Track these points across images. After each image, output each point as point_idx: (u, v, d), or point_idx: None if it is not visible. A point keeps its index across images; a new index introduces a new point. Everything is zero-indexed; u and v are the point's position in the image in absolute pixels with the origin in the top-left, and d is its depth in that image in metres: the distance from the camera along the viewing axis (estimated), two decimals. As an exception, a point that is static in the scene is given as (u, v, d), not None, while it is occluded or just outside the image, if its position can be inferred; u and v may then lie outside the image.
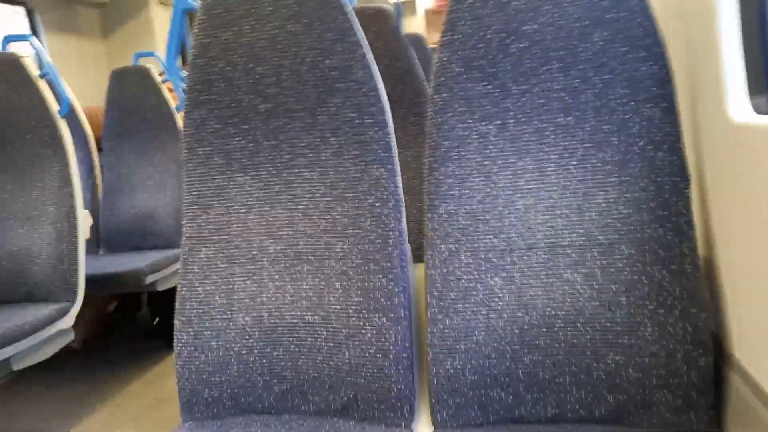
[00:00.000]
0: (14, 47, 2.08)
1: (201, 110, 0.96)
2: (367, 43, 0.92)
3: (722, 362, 0.83)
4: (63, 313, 1.69)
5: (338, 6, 0.91)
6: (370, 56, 0.92)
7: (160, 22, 3.33)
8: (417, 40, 2.60)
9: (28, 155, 1.81)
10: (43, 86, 1.79)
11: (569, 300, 0.86)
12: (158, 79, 2.50)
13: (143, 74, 2.49)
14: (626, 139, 0.85)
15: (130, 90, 2.49)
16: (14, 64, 1.78)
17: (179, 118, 2.53)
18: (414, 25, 5.86)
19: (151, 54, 2.85)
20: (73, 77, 2.31)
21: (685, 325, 0.82)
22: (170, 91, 2.57)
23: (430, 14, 5.93)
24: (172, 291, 2.31)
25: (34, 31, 2.84)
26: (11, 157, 1.83)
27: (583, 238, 0.87)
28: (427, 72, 1.76)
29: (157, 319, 2.67)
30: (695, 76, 0.91)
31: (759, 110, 0.77)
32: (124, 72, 2.53)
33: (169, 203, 2.45)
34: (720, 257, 0.86)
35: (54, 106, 1.79)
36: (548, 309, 0.87)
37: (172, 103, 2.51)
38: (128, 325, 2.83)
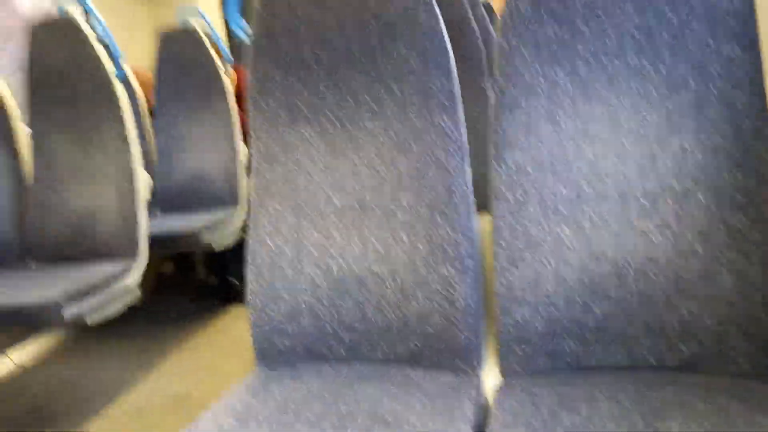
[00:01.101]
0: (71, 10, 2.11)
1: (265, 64, 0.97)
2: None
3: None
4: (128, 271, 1.76)
5: None
6: (433, 1, 0.90)
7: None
8: None
9: (88, 116, 1.86)
10: (99, 48, 1.82)
11: (641, 249, 0.85)
12: (206, 39, 2.51)
13: (191, 35, 2.50)
14: (704, 80, 0.82)
15: (178, 52, 2.51)
16: (72, 27, 1.81)
17: (227, 78, 2.54)
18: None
19: (194, 12, 2.85)
20: (118, 38, 2.33)
21: (765, 273, 0.80)
22: (215, 50, 2.58)
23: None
24: (225, 250, 2.37)
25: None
26: (72, 118, 1.89)
27: (656, 186, 0.85)
28: (477, 20, 1.71)
29: (214, 278, 2.76)
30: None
31: None
32: (171, 34, 2.55)
33: (220, 163, 2.49)
34: None
35: (110, 67, 1.82)
36: (619, 259, 0.85)
37: (220, 64, 2.52)
38: (183, 284, 2.93)
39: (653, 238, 0.84)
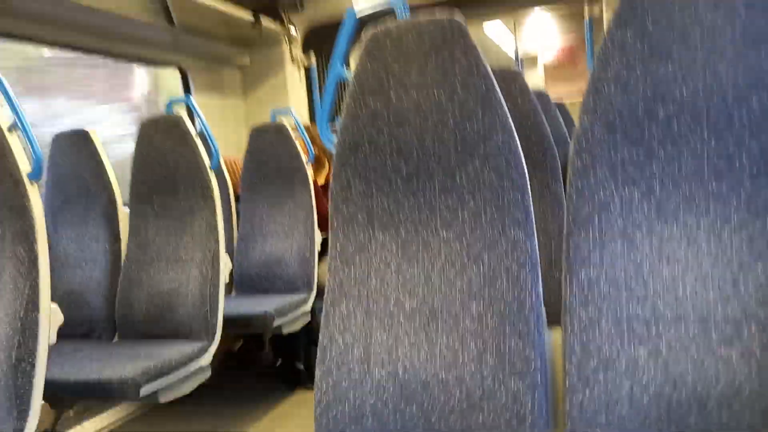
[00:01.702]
0: (176, 107, 2.35)
1: (348, 172, 1.04)
2: (506, 108, 0.95)
3: None
4: (203, 351, 1.83)
5: (482, 73, 0.95)
6: (510, 121, 0.95)
7: (293, 80, 3.61)
8: (540, 96, 2.61)
9: (184, 204, 2.02)
10: (199, 143, 2.01)
11: (724, 378, 0.81)
12: (292, 134, 2.70)
13: (279, 130, 2.70)
14: None
15: (266, 144, 2.71)
16: (177, 123, 2.01)
17: (310, 170, 2.70)
18: (534, 79, 5.84)
19: (286, 111, 3.09)
20: (217, 131, 2.56)
21: None
22: (302, 145, 2.77)
23: (550, 68, 5.91)
24: (294, 334, 2.42)
25: (187, 90, 3.20)
26: (167, 205, 2.06)
27: (738, 312, 0.81)
28: (551, 126, 1.76)
29: (280, 361, 2.80)
30: None
31: None
32: (261, 128, 2.76)
33: (296, 250, 2.59)
34: None
35: (207, 161, 2.00)
36: (700, 386, 0.81)
37: (304, 157, 2.69)
38: (251, 365, 2.99)
39: (736, 367, 0.80)
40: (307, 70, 3.65)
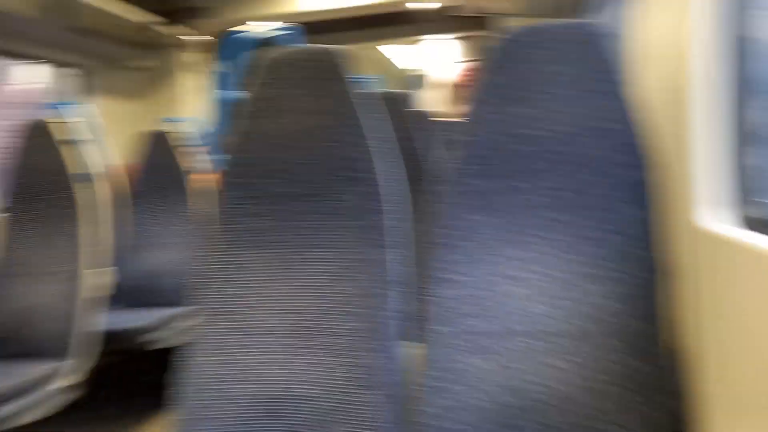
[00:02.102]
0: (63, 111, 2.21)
1: (235, 191, 1.06)
2: (389, 138, 1.01)
3: None
4: (67, 370, 1.73)
5: (373, 103, 1.01)
6: (396, 150, 1.01)
7: (191, 89, 3.53)
8: (427, 118, 2.74)
9: (44, 215, 1.89)
10: (65, 150, 1.89)
11: (559, 386, 0.89)
12: (175, 143, 2.64)
13: (172, 138, 2.64)
14: (623, 239, 0.91)
15: (158, 152, 2.63)
16: (40, 128, 1.90)
17: (190, 182, 2.64)
18: (429, 98, 6.03)
19: (177, 119, 3.02)
20: (118, 136, 2.46)
21: (664, 415, 0.85)
22: (185, 158, 2.71)
23: (453, 89, 6.14)
24: (171, 349, 2.33)
25: (84, 93, 3.04)
26: (27, 217, 1.92)
27: (576, 328, 0.91)
28: (427, 144, 1.84)
29: (154, 377, 2.67)
30: (681, 181, 0.97)
31: (728, 219, 0.82)
32: (154, 135, 2.68)
33: (175, 262, 2.52)
34: (695, 349, 0.90)
35: (72, 169, 1.88)
36: (540, 395, 0.90)
37: (185, 167, 2.63)
38: (126, 381, 2.84)
39: (570, 377, 0.89)
40: (210, 79, 3.59)
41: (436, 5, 3.67)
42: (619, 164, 0.91)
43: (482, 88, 0.97)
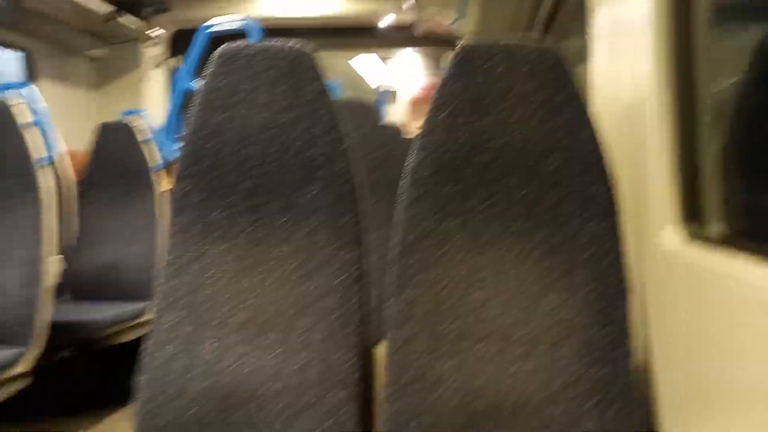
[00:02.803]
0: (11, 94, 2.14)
1: (187, 182, 1.04)
2: (349, 137, 1.02)
3: None
4: (22, 357, 1.68)
5: (327, 104, 1.01)
6: (351, 149, 1.02)
7: (153, 82, 3.46)
8: (393, 131, 2.78)
9: (7, 199, 1.83)
10: (27, 134, 1.83)
11: (517, 391, 0.93)
12: (142, 137, 2.58)
13: (128, 131, 2.58)
14: (574, 249, 0.95)
15: (114, 144, 2.57)
16: (3, 111, 1.83)
17: (156, 177, 2.59)
18: (396, 112, 6.15)
19: (138, 111, 2.95)
20: (66, 124, 2.38)
21: (621, 423, 0.89)
22: (153, 150, 2.66)
23: (413, 103, 6.24)
24: (127, 344, 2.28)
25: (32, 77, 2.93)
26: None
27: (532, 334, 0.94)
28: (401, 160, 1.88)
29: (113, 371, 2.61)
30: (636, 199, 1.03)
31: (687, 238, 0.88)
32: (110, 127, 2.61)
33: (137, 257, 2.47)
34: (654, 360, 0.95)
35: (35, 153, 1.83)
36: (496, 397, 0.93)
37: (152, 162, 2.58)
38: (80, 375, 2.75)
39: (528, 381, 0.93)
40: (170, 72, 3.53)
41: (403, 23, 3.74)
42: (574, 177, 0.96)
43: (438, 98, 1.00)
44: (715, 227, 0.87)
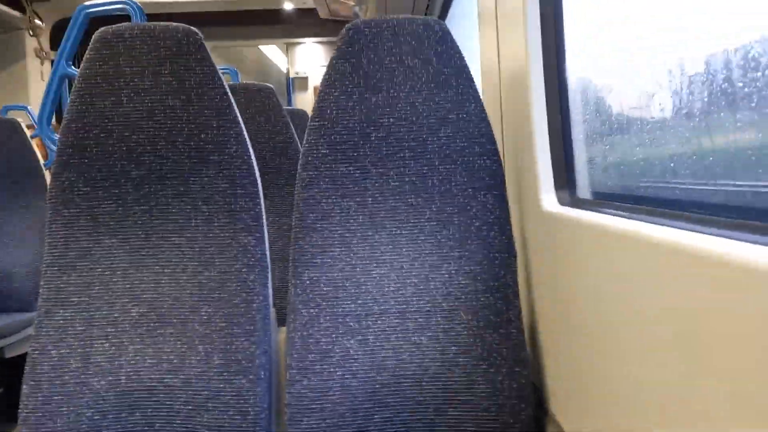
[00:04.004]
0: None
1: (70, 173, 0.98)
2: (241, 119, 1.00)
3: (542, 415, 0.96)
4: None
5: (217, 85, 0.98)
6: (244, 132, 1.00)
7: (36, 75, 3.22)
8: (300, 116, 2.74)
9: None
10: None
11: (416, 361, 0.96)
12: (27, 133, 2.40)
13: (12, 128, 2.38)
14: (465, 219, 0.99)
15: None
16: None
17: (47, 175, 2.42)
18: (308, 99, 6.15)
19: (22, 107, 2.74)
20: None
21: (510, 383, 0.94)
22: (40, 147, 2.48)
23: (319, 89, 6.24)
24: (19, 359, 2.13)
25: None
26: None
27: (429, 305, 0.97)
28: (297, 138, 1.87)
29: (1, 390, 2.43)
30: (519, 170, 1.08)
31: (562, 202, 0.94)
32: None
33: (28, 263, 2.30)
34: (539, 323, 1.01)
35: None
36: (398, 369, 0.95)
37: (41, 160, 2.41)
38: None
39: (425, 351, 0.96)
40: (52, 62, 3.30)
41: (308, 6, 3.71)
42: (462, 150, 0.99)
43: (328, 78, 1.00)
44: (584, 192, 0.94)
